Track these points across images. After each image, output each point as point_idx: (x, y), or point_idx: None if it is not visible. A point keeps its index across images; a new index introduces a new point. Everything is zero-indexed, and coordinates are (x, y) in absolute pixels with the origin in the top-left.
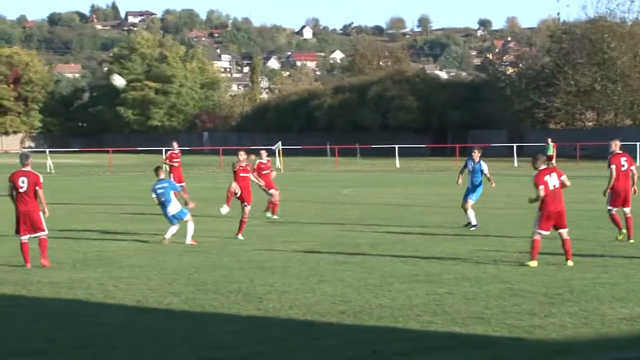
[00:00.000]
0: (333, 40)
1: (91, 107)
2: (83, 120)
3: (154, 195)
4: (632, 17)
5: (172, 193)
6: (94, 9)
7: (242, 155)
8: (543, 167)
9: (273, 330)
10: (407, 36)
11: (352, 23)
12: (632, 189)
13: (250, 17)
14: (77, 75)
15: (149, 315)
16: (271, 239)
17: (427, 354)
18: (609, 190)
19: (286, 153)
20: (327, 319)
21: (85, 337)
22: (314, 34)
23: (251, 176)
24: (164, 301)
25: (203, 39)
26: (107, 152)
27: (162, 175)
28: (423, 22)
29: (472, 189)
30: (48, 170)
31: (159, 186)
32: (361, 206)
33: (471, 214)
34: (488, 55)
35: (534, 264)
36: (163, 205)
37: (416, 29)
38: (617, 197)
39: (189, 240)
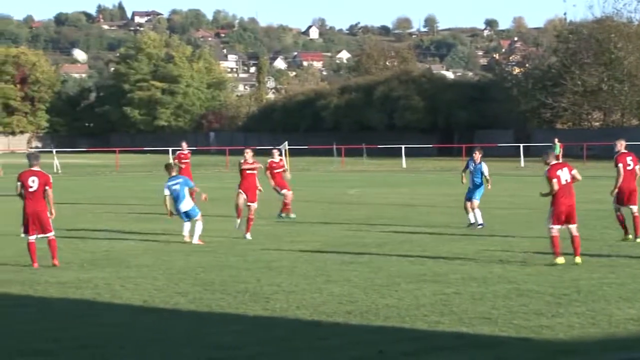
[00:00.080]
0: (339, 40)
1: (98, 107)
2: (90, 120)
3: (167, 192)
4: (639, 17)
5: (186, 189)
6: (101, 9)
7: (249, 154)
8: (554, 162)
9: (278, 330)
10: (413, 36)
11: (359, 23)
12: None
13: (256, 17)
14: (83, 75)
15: (155, 315)
16: (278, 239)
17: (433, 354)
18: (615, 190)
19: (293, 153)
20: (333, 319)
21: (90, 337)
22: (321, 34)
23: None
24: (171, 301)
25: (209, 39)
26: (114, 152)
27: (174, 172)
28: (429, 22)
29: (473, 189)
30: (55, 170)
31: (173, 182)
32: (368, 206)
33: (478, 213)
34: (494, 55)
35: (561, 260)
36: (176, 201)
37: (422, 29)
38: (622, 195)
39: (196, 240)
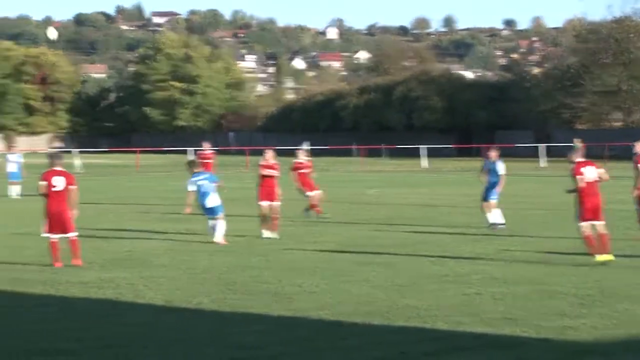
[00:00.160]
0: (357, 41)
1: (117, 108)
2: (110, 121)
3: (193, 188)
4: None
5: (212, 185)
6: (119, 10)
7: (269, 154)
8: (580, 159)
9: (300, 330)
10: (431, 36)
11: (377, 23)
12: None
13: (274, 17)
14: (103, 75)
15: (177, 315)
16: (300, 239)
17: (454, 354)
18: (635, 190)
19: (312, 153)
20: (354, 319)
21: (113, 337)
22: (339, 34)
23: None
24: (193, 301)
25: (228, 39)
26: (134, 152)
27: (199, 169)
28: (448, 22)
29: (490, 188)
30: (76, 170)
31: (199, 178)
32: (388, 206)
33: (497, 213)
34: (513, 55)
35: (603, 257)
36: (202, 197)
37: (441, 29)
38: None
39: (218, 238)
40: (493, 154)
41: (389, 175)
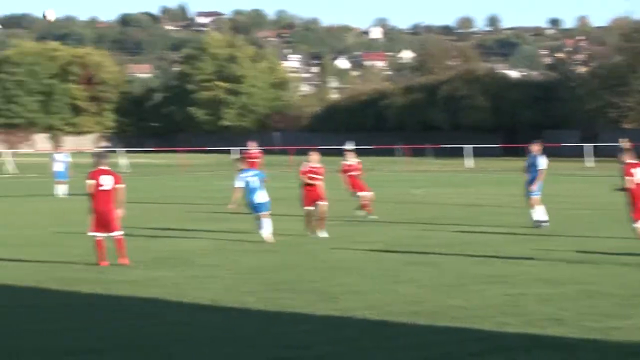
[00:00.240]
0: (401, 40)
1: (163, 108)
2: (155, 121)
3: (241, 184)
4: None
5: (261, 181)
6: (164, 10)
7: (313, 156)
8: (630, 160)
9: (347, 330)
10: (476, 35)
11: (421, 22)
12: None
13: (318, 17)
14: (148, 75)
15: (223, 314)
16: (346, 239)
17: (498, 355)
18: None
19: (356, 153)
20: (401, 319)
21: (159, 336)
22: (383, 34)
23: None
24: (239, 300)
25: (272, 39)
26: (180, 152)
27: (246, 165)
28: (492, 21)
29: (530, 182)
30: (122, 170)
31: (249, 174)
32: (434, 206)
33: (540, 209)
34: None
35: None
36: (251, 193)
37: (485, 28)
38: None
39: (266, 235)
40: (535, 147)
41: (434, 175)
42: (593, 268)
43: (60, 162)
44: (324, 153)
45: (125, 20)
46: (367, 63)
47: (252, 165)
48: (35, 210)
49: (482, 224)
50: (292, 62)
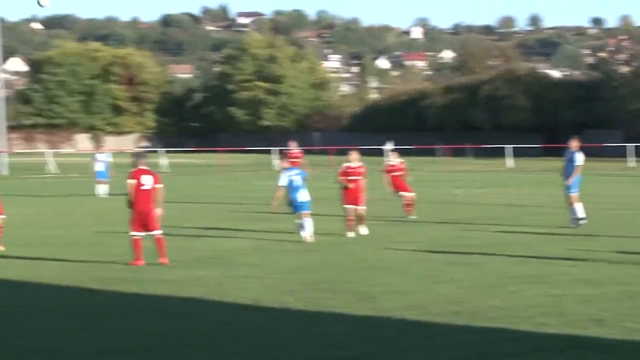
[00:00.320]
0: (442, 40)
1: (203, 108)
2: (195, 121)
3: (285, 183)
4: None
5: (303, 180)
6: (205, 10)
7: (353, 156)
8: None
9: (386, 330)
10: (517, 35)
11: (462, 22)
12: None
13: (358, 17)
14: (189, 75)
15: (264, 314)
16: (386, 239)
17: (537, 355)
18: None
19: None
20: (440, 319)
21: (200, 335)
22: (424, 34)
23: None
24: (279, 300)
25: (312, 39)
26: (220, 152)
27: (289, 164)
28: (534, 20)
29: (567, 177)
30: (162, 170)
31: (293, 173)
32: (474, 206)
33: (579, 207)
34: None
35: None
36: (293, 192)
37: (527, 28)
38: None
39: (307, 234)
40: (574, 143)
41: (475, 175)
42: (634, 269)
43: (101, 162)
44: (364, 153)
45: (167, 21)
46: (407, 63)
47: (293, 165)
48: (77, 210)
49: (522, 224)
50: (333, 62)
